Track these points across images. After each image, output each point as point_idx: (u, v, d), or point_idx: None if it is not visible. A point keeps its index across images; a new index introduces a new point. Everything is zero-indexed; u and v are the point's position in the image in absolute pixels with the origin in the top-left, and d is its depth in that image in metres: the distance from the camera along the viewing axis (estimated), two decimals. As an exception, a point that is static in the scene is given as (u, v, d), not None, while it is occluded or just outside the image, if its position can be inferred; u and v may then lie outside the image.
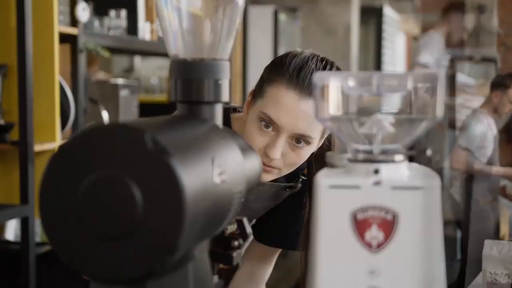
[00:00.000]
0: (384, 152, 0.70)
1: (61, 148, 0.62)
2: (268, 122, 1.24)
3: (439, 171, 4.53)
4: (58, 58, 2.53)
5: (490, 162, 4.39)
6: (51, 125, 2.49)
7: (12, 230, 2.57)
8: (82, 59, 2.67)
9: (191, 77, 0.79)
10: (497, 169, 4.42)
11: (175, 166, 0.59)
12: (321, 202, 0.68)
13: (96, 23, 2.92)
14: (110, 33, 2.99)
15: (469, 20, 4.75)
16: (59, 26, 2.54)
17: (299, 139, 1.24)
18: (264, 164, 1.25)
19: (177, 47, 0.81)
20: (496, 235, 4.47)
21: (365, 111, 0.72)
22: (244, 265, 1.52)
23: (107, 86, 3.12)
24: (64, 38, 2.62)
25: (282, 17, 4.86)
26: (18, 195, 2.35)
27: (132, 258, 0.60)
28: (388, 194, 0.66)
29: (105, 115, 2.90)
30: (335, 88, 0.70)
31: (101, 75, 3.96)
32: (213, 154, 0.69)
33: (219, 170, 0.69)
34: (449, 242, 4.03)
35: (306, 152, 1.27)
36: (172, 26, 0.81)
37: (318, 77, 0.70)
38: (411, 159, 0.75)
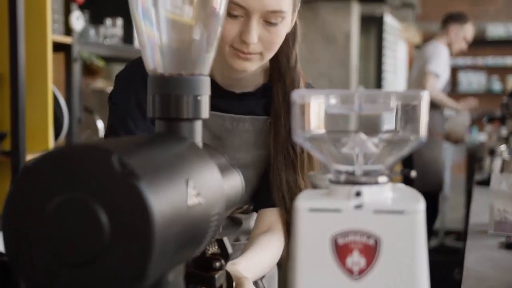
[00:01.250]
0: (366, 173, 0.67)
1: (26, 168, 0.59)
2: (235, 9, 1.18)
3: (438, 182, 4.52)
4: (52, 67, 2.50)
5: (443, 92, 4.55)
6: (44, 135, 2.47)
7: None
8: (76, 68, 2.64)
9: (169, 93, 0.77)
10: (454, 103, 4.72)
11: (143, 189, 0.56)
12: (301, 226, 0.65)
13: (92, 31, 2.90)
14: (106, 41, 2.96)
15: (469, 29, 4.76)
16: (53, 35, 2.52)
17: (271, 17, 1.19)
18: (243, 52, 1.21)
19: (155, 62, 0.79)
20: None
21: (347, 131, 0.69)
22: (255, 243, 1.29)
23: (103, 95, 3.09)
24: (59, 47, 2.60)
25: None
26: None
27: (99, 285, 0.57)
28: (370, 218, 0.64)
29: (100, 125, 2.87)
30: (315, 106, 0.67)
31: (100, 83, 3.94)
32: (188, 175, 0.66)
33: (195, 192, 0.66)
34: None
35: (282, 29, 1.22)
36: (150, 40, 0.78)
37: (298, 94, 0.67)
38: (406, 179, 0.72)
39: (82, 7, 2.75)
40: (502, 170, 2.89)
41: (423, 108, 0.66)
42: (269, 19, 1.19)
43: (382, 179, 0.67)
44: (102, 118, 2.95)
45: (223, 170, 0.79)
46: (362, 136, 0.67)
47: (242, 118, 1.32)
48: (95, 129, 2.86)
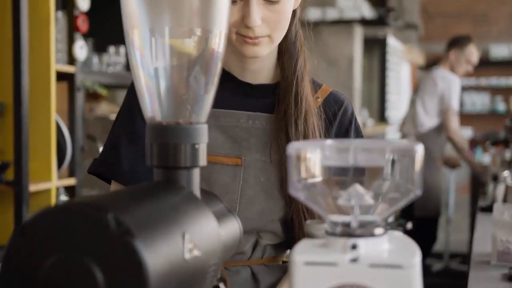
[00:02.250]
0: (362, 225, 0.67)
1: (22, 227, 0.60)
2: None
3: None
4: (56, 96, 2.52)
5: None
6: (47, 164, 2.47)
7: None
8: (79, 97, 2.66)
9: (167, 141, 0.77)
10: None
11: (139, 248, 0.57)
12: (296, 279, 0.65)
13: (95, 59, 2.92)
14: (109, 69, 2.98)
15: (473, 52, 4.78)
16: (57, 65, 2.54)
17: None
18: (249, 37, 1.15)
19: (154, 110, 0.79)
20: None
21: (343, 182, 0.69)
22: None
23: (106, 122, 3.11)
24: (62, 76, 2.62)
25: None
26: (12, 236, 2.32)
27: None
28: (366, 272, 0.64)
29: (103, 152, 2.88)
30: (310, 158, 0.68)
31: (104, 107, 3.95)
32: (185, 228, 0.66)
33: (191, 245, 0.66)
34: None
35: (286, 6, 1.16)
36: (148, 89, 0.79)
37: (293, 147, 0.68)
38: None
39: (86, 36, 2.77)
40: (505, 196, 2.88)
41: (418, 160, 0.66)
42: None
43: (378, 230, 0.67)
44: (105, 145, 2.96)
45: (220, 216, 0.80)
46: (358, 188, 0.68)
47: (258, 116, 1.25)
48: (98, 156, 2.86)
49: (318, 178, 0.69)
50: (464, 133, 9.98)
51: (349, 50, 5.55)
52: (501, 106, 9.89)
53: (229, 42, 1.19)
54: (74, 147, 2.63)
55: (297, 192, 0.68)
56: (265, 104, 1.26)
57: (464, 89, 10.00)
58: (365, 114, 6.50)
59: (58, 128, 2.54)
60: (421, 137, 4.50)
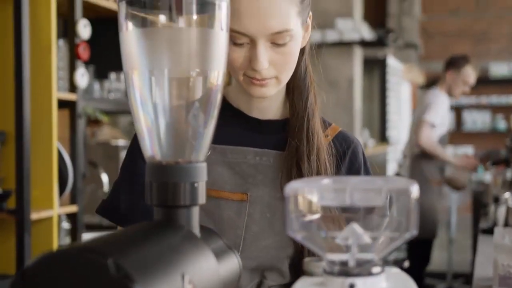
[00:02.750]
0: (360, 263, 0.68)
1: (23, 272, 0.61)
2: (238, 38, 1.11)
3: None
4: (57, 123, 2.53)
5: (441, 143, 4.52)
6: (49, 192, 2.48)
7: (8, 299, 2.54)
8: (81, 124, 2.68)
9: (167, 180, 0.78)
10: (450, 158, 4.61)
11: (139, 293, 0.57)
12: (295, 319, 0.66)
13: (97, 86, 2.94)
14: (110, 96, 3.00)
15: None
16: (58, 92, 2.56)
17: (278, 38, 1.12)
18: (256, 79, 1.15)
19: (153, 150, 0.80)
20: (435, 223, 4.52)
21: (340, 221, 0.70)
22: None
23: (108, 148, 3.12)
24: (63, 104, 2.63)
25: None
26: (14, 265, 2.33)
27: None
28: (364, 312, 0.64)
29: (104, 178, 2.89)
30: (307, 198, 0.68)
31: (106, 131, 3.96)
32: (184, 269, 0.67)
33: (190, 286, 0.67)
34: None
35: (293, 47, 1.14)
36: (148, 128, 0.80)
37: (290, 188, 0.68)
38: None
39: (87, 63, 2.80)
40: (507, 218, 2.88)
41: (413, 200, 0.67)
42: (276, 41, 1.12)
43: (376, 269, 0.67)
44: (106, 171, 2.97)
45: (219, 253, 0.80)
46: (355, 227, 0.68)
47: (266, 152, 1.24)
48: (100, 182, 2.87)
49: (316, 218, 0.70)
50: (465, 151, 10.00)
51: (349, 71, 5.58)
52: (502, 124, 9.91)
53: (237, 80, 1.20)
54: (76, 174, 2.64)
55: (295, 232, 0.69)
56: (273, 140, 1.26)
57: (465, 107, 10.03)
58: (366, 134, 6.51)
59: (60, 155, 2.55)
60: (416, 158, 4.52)
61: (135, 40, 0.78)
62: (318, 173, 1.21)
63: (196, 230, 0.79)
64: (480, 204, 4.75)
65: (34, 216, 2.41)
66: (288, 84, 1.26)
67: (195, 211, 0.79)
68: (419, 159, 4.46)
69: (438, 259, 6.47)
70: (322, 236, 0.70)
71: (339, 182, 0.70)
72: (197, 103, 0.81)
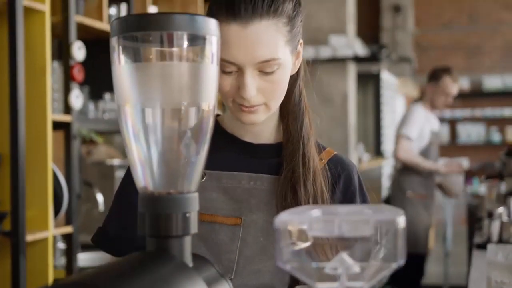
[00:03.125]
0: (349, 293, 0.69)
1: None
2: (227, 66, 1.13)
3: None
4: (52, 144, 2.54)
5: (425, 155, 4.50)
6: (44, 213, 2.49)
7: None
8: (76, 145, 2.69)
9: (159, 211, 0.79)
10: (434, 165, 4.52)
11: (131, 328, 0.59)
12: None
13: (91, 106, 2.96)
14: (105, 116, 3.02)
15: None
16: (53, 114, 2.57)
17: (266, 67, 1.13)
18: (245, 106, 1.16)
19: (146, 181, 0.82)
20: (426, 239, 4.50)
21: (329, 251, 0.71)
22: None
23: (103, 167, 3.13)
24: (58, 125, 2.65)
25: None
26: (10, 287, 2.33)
27: None
28: None
29: (100, 198, 2.90)
30: (297, 229, 0.70)
31: (102, 149, 3.97)
32: (177, 301, 0.68)
33: (183, 317, 0.68)
34: None
35: (282, 75, 1.16)
36: (140, 160, 0.82)
37: (280, 220, 0.70)
38: None
39: (82, 83, 2.81)
40: (501, 233, 2.89)
41: (400, 231, 0.68)
42: (264, 69, 1.14)
43: (365, 299, 0.69)
44: (102, 190, 2.98)
45: (211, 282, 0.81)
46: (344, 256, 0.70)
47: (260, 177, 1.25)
48: (95, 202, 2.88)
49: (305, 247, 0.72)
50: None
51: (343, 86, 5.61)
52: (496, 137, 9.95)
53: (227, 106, 1.22)
54: (71, 195, 2.65)
55: (285, 263, 0.71)
56: (267, 164, 1.27)
57: (459, 120, 10.07)
58: (361, 149, 6.54)
59: (55, 176, 2.56)
60: (396, 173, 4.56)
61: (127, 74, 0.80)
62: (315, 197, 1.22)
63: (189, 259, 0.80)
64: (475, 216, 4.77)
65: (30, 237, 2.41)
66: (282, 109, 1.27)
67: (187, 241, 0.81)
68: (401, 174, 4.48)
69: (434, 272, 6.48)
70: (311, 266, 0.71)
71: (328, 214, 0.71)
72: (189, 133, 0.83)
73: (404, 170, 4.45)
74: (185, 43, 0.79)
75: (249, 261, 1.22)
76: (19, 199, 2.36)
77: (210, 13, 1.16)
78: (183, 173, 0.82)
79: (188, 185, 0.82)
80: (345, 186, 1.29)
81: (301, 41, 1.23)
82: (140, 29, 0.79)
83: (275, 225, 0.70)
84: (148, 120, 0.81)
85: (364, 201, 1.29)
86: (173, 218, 0.79)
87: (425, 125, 4.50)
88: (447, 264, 5.50)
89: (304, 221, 0.70)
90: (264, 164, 1.27)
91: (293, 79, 1.25)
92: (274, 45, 1.13)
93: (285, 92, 1.20)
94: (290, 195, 1.23)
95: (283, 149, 1.28)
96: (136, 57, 0.80)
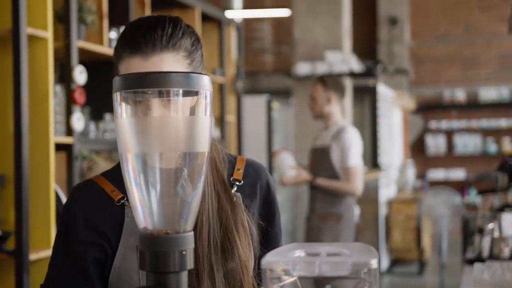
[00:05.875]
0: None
1: None
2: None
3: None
4: (54, 166, 2.63)
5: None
6: (47, 232, 2.57)
7: None
8: (77, 166, 2.77)
9: (158, 249, 0.88)
10: (321, 181, 3.89)
11: None
12: None
13: (92, 126, 3.04)
14: (106, 136, 3.10)
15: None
16: (55, 137, 2.65)
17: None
18: None
19: (145, 221, 0.90)
20: None
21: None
22: None
23: (103, 185, 3.20)
24: (60, 146, 2.73)
25: (275, 105, 5.00)
26: (14, 306, 2.41)
27: None
28: None
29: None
30: (281, 270, 0.78)
31: (102, 165, 4.04)
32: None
33: None
34: None
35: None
36: (140, 202, 0.90)
37: (266, 261, 0.78)
38: None
39: (83, 105, 2.90)
40: (491, 248, 2.96)
41: (374, 270, 0.76)
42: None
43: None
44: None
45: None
46: (326, 290, 0.78)
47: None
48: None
49: (289, 283, 0.80)
50: (457, 175, 10.13)
51: (340, 101, 5.69)
52: (492, 148, 10.04)
53: None
54: (73, 214, 2.73)
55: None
56: None
57: (456, 131, 10.17)
58: (358, 161, 6.61)
59: (57, 196, 2.64)
60: None
61: (128, 126, 0.88)
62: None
63: (185, 293, 0.88)
64: (469, 229, 4.84)
65: (33, 256, 2.49)
66: None
67: (184, 276, 0.89)
68: None
69: (430, 283, 6.56)
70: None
71: (310, 255, 0.80)
72: (185, 176, 0.91)
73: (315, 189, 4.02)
74: (181, 98, 0.88)
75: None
76: (23, 218, 2.44)
77: (116, 50, 1.26)
78: (179, 214, 0.90)
79: (185, 224, 0.90)
80: (266, 190, 1.37)
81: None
82: (140, 86, 0.87)
83: (261, 266, 0.79)
84: (147, 166, 0.89)
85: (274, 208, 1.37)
86: (171, 255, 0.88)
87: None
88: (443, 276, 5.57)
89: (288, 262, 0.78)
90: None
91: None
92: None
93: None
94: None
95: None
96: (136, 111, 0.89)
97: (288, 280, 0.80)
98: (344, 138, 3.81)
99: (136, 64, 1.21)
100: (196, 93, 0.89)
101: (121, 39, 1.25)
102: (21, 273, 2.39)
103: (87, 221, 1.27)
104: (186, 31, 1.25)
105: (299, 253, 0.81)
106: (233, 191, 1.31)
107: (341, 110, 4.03)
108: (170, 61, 1.22)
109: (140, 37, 1.21)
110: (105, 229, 1.27)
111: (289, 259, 0.78)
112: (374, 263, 0.76)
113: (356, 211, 4.13)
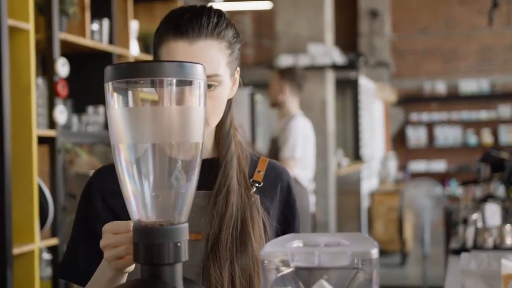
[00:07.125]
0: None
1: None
2: None
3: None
4: (37, 159, 2.59)
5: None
6: (30, 226, 2.54)
7: None
8: (60, 159, 2.74)
9: (152, 242, 0.86)
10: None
11: None
12: None
13: (75, 120, 3.01)
14: (88, 128, 3.07)
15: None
16: (38, 129, 2.62)
17: (208, 81, 1.18)
18: None
19: (139, 213, 0.89)
20: None
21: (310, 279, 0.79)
22: None
23: (86, 178, 3.17)
24: (43, 139, 2.70)
25: (258, 97, 4.99)
26: (-3, 301, 2.37)
27: None
28: None
29: (84, 210, 2.94)
30: (280, 260, 0.77)
31: (84, 158, 4.00)
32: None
33: None
34: None
35: (221, 93, 1.24)
36: (133, 194, 0.89)
37: (265, 252, 0.77)
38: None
39: (65, 98, 2.87)
40: (475, 239, 2.98)
41: (374, 261, 0.76)
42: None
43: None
44: (86, 202, 3.02)
45: (201, 306, 0.89)
46: (324, 283, 0.77)
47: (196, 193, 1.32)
48: (80, 214, 2.92)
49: (287, 275, 0.79)
50: (438, 166, 10.21)
51: (322, 94, 5.69)
52: (472, 139, 10.12)
53: None
54: (56, 207, 2.70)
55: (269, 290, 0.78)
56: (203, 180, 1.33)
57: (437, 123, 10.23)
58: (340, 154, 6.63)
59: (40, 190, 2.61)
60: None
61: (121, 116, 0.87)
62: (223, 214, 1.25)
63: (180, 285, 0.87)
64: (452, 220, 4.86)
65: (16, 251, 2.46)
66: (216, 129, 1.32)
67: (179, 268, 0.88)
68: None
69: (413, 274, 6.60)
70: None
71: (308, 246, 0.79)
72: (179, 167, 0.90)
73: None
74: (174, 88, 0.86)
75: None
76: (6, 213, 2.40)
77: (158, 34, 1.26)
78: (174, 206, 0.89)
79: (179, 215, 0.89)
80: (286, 193, 1.36)
81: (238, 69, 1.32)
82: (132, 76, 0.86)
83: (260, 257, 0.78)
84: (140, 159, 0.88)
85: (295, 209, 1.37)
86: (165, 247, 0.86)
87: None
88: (425, 266, 5.60)
89: (286, 252, 0.77)
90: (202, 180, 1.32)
91: (228, 104, 1.32)
92: (217, 63, 1.23)
93: (223, 111, 1.27)
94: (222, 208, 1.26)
95: (216, 165, 1.32)
96: (128, 101, 0.87)
97: (286, 270, 0.79)
98: (286, 129, 3.87)
99: (180, 48, 1.21)
100: (190, 83, 0.87)
101: (165, 23, 1.25)
102: (5, 267, 2.36)
103: (104, 202, 1.28)
104: (229, 23, 1.27)
105: (297, 243, 0.80)
106: (252, 192, 1.30)
107: (297, 102, 4.07)
108: (214, 48, 1.23)
109: (187, 21, 1.22)
110: (121, 213, 1.24)
111: (288, 250, 0.77)
112: (374, 253, 0.76)
113: (312, 199, 4.09)
